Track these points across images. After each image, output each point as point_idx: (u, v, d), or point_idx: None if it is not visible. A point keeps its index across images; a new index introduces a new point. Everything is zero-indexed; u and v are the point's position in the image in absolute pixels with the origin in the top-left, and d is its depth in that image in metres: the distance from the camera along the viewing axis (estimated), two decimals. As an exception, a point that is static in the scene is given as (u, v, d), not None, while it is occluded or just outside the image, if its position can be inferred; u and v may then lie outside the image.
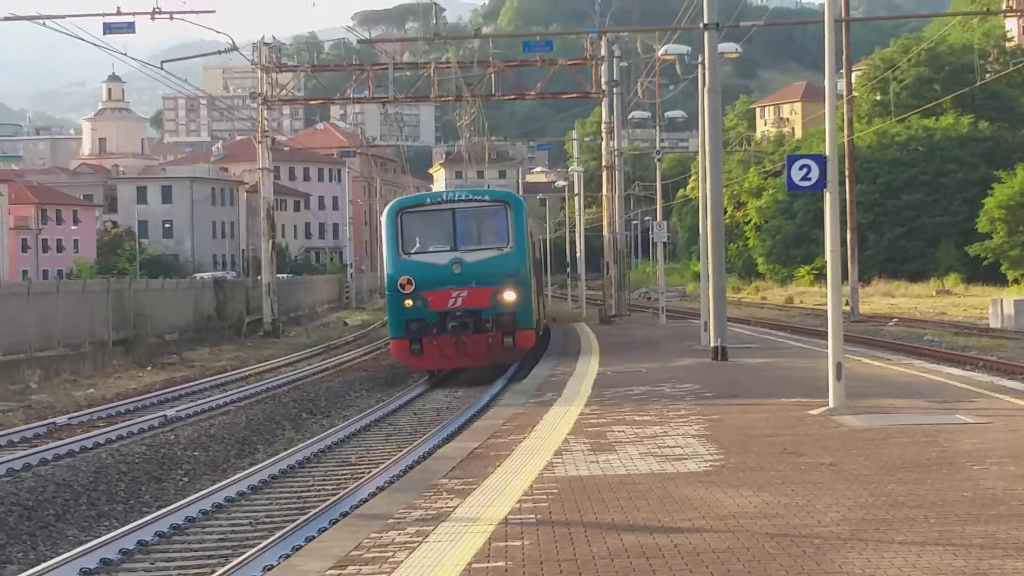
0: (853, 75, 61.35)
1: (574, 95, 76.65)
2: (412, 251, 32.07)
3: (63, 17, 40.95)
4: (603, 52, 59.47)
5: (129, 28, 40.75)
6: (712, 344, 33.95)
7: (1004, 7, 76.48)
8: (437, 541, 11.77)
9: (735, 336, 39.68)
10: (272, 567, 12.94)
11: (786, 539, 11.23)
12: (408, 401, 32.05)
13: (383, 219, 33.91)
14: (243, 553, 14.87)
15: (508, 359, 32.14)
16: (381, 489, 18.20)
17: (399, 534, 12.02)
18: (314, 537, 14.38)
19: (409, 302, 31.08)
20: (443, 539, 11.79)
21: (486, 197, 37.50)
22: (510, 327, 31.10)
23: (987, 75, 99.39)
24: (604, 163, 66.74)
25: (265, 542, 15.45)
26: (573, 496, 13.95)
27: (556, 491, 14.42)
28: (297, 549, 13.94)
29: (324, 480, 21.56)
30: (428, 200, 36.19)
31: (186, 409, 31.76)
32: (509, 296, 31.16)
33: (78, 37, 41.17)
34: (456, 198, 35.76)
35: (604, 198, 66.74)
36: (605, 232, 64.64)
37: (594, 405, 23.24)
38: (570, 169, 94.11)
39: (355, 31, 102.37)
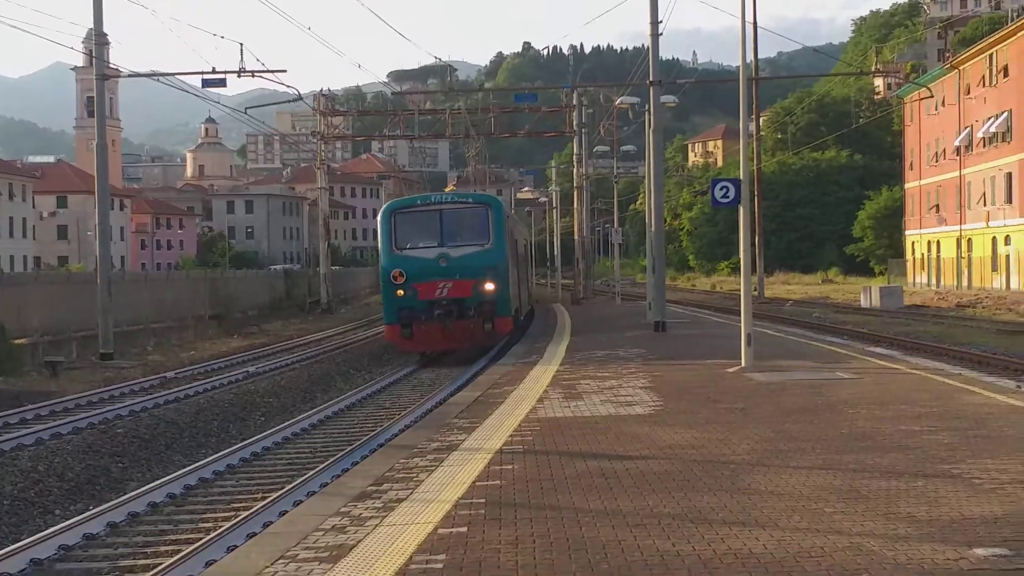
0: (761, 119, 61.54)
1: (553, 134, 78.54)
2: (404, 247, 28.84)
3: (173, 75, 41.29)
4: (575, 102, 60.28)
5: (221, 83, 41.11)
6: (654, 320, 33.70)
7: (873, 69, 76.43)
8: (450, 465, 11.80)
9: (672, 314, 39.15)
10: (327, 484, 12.99)
11: (710, 464, 11.31)
12: (428, 363, 30.60)
13: (379, 219, 30.40)
14: (305, 474, 14.94)
15: (488, 342, 29.41)
16: (408, 427, 18.09)
17: (421, 460, 12.10)
18: (357, 462, 14.30)
19: (401, 292, 28.09)
20: (454, 464, 11.83)
21: (469, 200, 33.48)
22: (490, 314, 28.11)
23: (860, 119, 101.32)
24: (575, 185, 68.20)
25: (322, 465, 15.45)
26: (551, 432, 13.94)
27: (538, 428, 14.36)
28: (345, 471, 13.79)
29: (365, 420, 21.25)
30: (419, 202, 31.91)
31: (263, 366, 31.83)
32: (489, 287, 28.13)
33: (184, 89, 41.64)
34: (443, 200, 32.20)
35: (575, 211, 67.96)
36: (576, 236, 65.39)
37: (567, 364, 22.90)
38: (549, 189, 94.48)
39: (390, 85, 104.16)
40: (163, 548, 11.51)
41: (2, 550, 11.16)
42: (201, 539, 11.34)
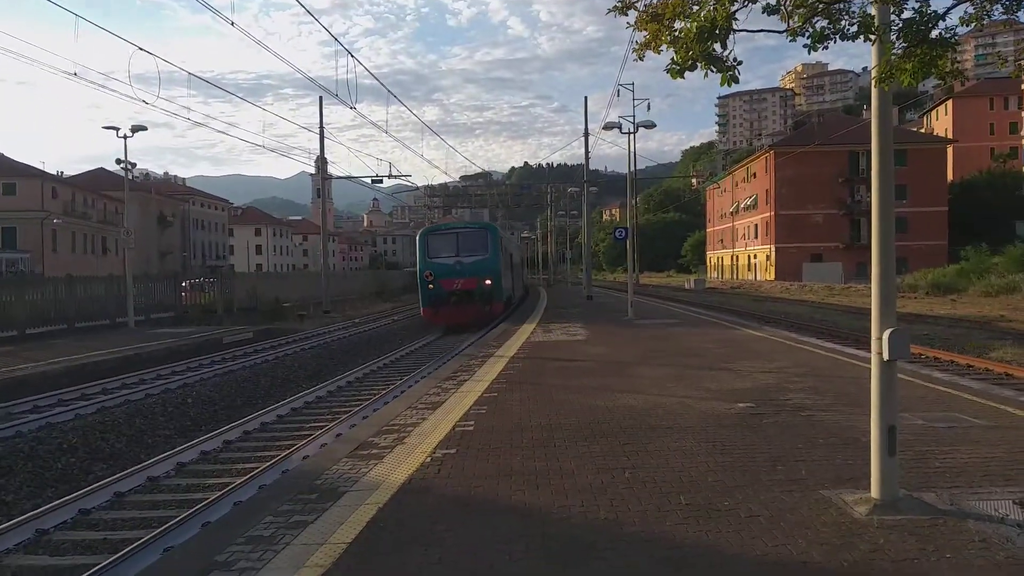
0: (637, 198, 66.86)
1: (537, 205, 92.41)
2: (433, 257, 27.32)
3: (358, 178, 45.75)
4: (548, 190, 65.69)
5: (380, 181, 44.19)
6: (586, 295, 35.91)
7: (692, 174, 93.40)
8: (488, 364, 13.46)
9: (597, 292, 40.07)
10: (428, 374, 14.24)
11: (612, 363, 13.07)
12: (451, 332, 26.29)
13: (417, 238, 28.84)
14: (416, 370, 16.28)
15: (488, 319, 27.11)
16: (468, 347, 18.83)
17: (475, 361, 14.00)
18: (444, 363, 15.65)
19: (431, 286, 26.66)
20: (490, 363, 13.46)
21: (476, 226, 31.10)
22: (488, 300, 26.63)
23: (684, 198, 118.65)
24: (549, 229, 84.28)
25: (424, 366, 16.84)
26: (537, 348, 15.59)
27: (531, 346, 15.98)
28: (436, 368, 14.94)
29: (442, 346, 22.06)
30: (443, 228, 30.30)
31: (398, 319, 33.89)
32: (488, 283, 26.51)
33: (363, 184, 45.01)
34: (458, 227, 30.50)
35: (548, 242, 79.36)
36: (549, 253, 72.38)
37: (544, 319, 24.66)
38: (536, 232, 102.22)
39: (459, 183, 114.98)
40: (355, 401, 13.41)
41: (283, 401, 13.31)
42: (370, 397, 13.48)
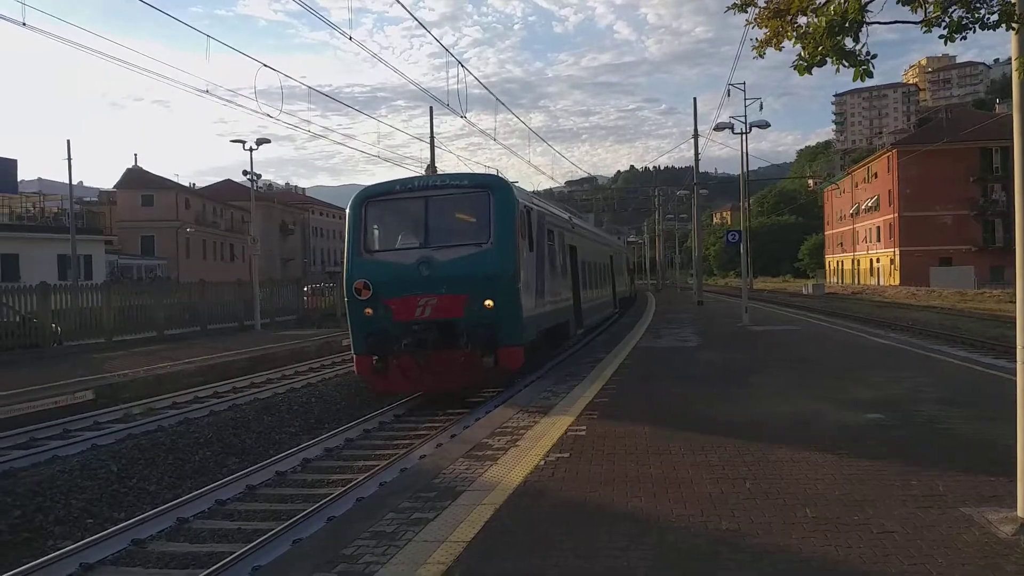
0: (750, 200, 64.62)
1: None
2: (375, 248, 13.39)
3: None
4: (655, 194, 65.19)
5: None
6: (697, 300, 35.17)
7: (808, 174, 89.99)
8: (600, 367, 13.53)
9: (706, 297, 39.45)
10: (498, 406, 10.92)
11: (728, 371, 12.70)
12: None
13: (347, 211, 13.87)
14: (483, 399, 13.06)
15: (488, 382, 13.43)
16: (572, 353, 17.45)
17: (585, 367, 14.03)
18: (518, 391, 12.07)
19: (369, 310, 12.85)
20: (604, 366, 13.53)
21: (464, 182, 14.07)
22: (489, 343, 12.41)
23: (801, 200, 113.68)
24: (656, 234, 79.42)
25: (495, 394, 13.38)
26: (647, 354, 15.40)
27: (640, 352, 15.80)
28: (506, 401, 11.35)
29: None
30: (398, 188, 13.76)
31: None
32: (488, 304, 12.51)
33: None
34: (429, 184, 14.10)
35: (656, 247, 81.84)
36: (656, 258, 79.25)
37: (654, 320, 24.66)
38: (643, 237, 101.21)
39: (564, 188, 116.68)
40: (468, 403, 12.94)
41: (399, 401, 13.52)
42: (484, 399, 13.04)
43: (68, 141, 73.62)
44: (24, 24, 14.26)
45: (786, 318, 25.99)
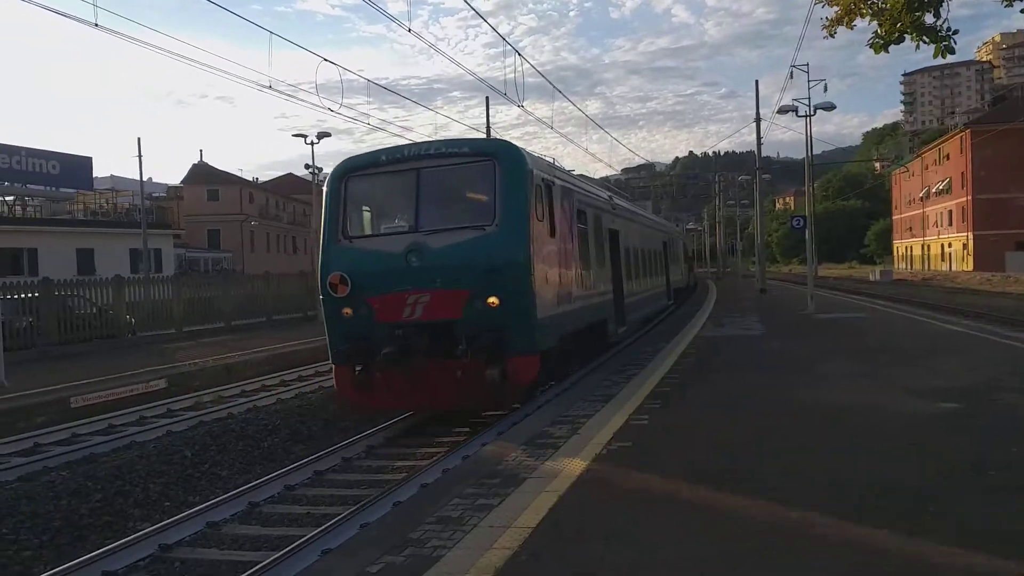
0: (815, 184, 62.53)
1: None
2: (354, 234, 10.63)
3: None
4: (714, 180, 64.14)
5: None
6: (759, 288, 34.40)
7: (875, 156, 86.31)
8: (661, 358, 13.43)
9: (772, 284, 38.86)
10: (558, 394, 10.67)
11: (795, 359, 12.49)
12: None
13: (324, 188, 11.11)
14: (544, 387, 11.38)
15: (492, 401, 10.37)
16: (633, 341, 17.25)
17: (648, 357, 13.85)
18: (575, 380, 12.69)
19: (348, 311, 10.03)
20: (663, 356, 13.44)
21: (464, 149, 10.52)
22: (496, 350, 9.41)
23: (869, 184, 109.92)
24: (716, 221, 78.58)
25: (555, 382, 11.82)
26: (709, 344, 15.16)
27: (702, 341, 15.58)
28: (567, 389, 11.54)
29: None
30: (383, 159, 10.68)
31: None
32: (492, 302, 9.54)
33: None
34: (422, 153, 10.57)
35: (717, 234, 78.64)
36: (718, 245, 76.91)
37: (716, 309, 24.36)
38: (703, 224, 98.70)
39: (620, 176, 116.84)
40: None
41: None
42: (544, 388, 11.44)
43: (139, 139, 76.28)
44: (96, 25, 14.78)
45: (853, 305, 25.32)
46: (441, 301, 9.73)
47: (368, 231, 11.03)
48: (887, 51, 4.07)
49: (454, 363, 9.59)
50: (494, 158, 10.34)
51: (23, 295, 19.46)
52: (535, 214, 10.36)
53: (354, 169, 10.90)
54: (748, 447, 6.77)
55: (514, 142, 11.31)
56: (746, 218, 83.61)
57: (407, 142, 19.71)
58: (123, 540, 6.81)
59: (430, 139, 11.03)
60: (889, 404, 8.32)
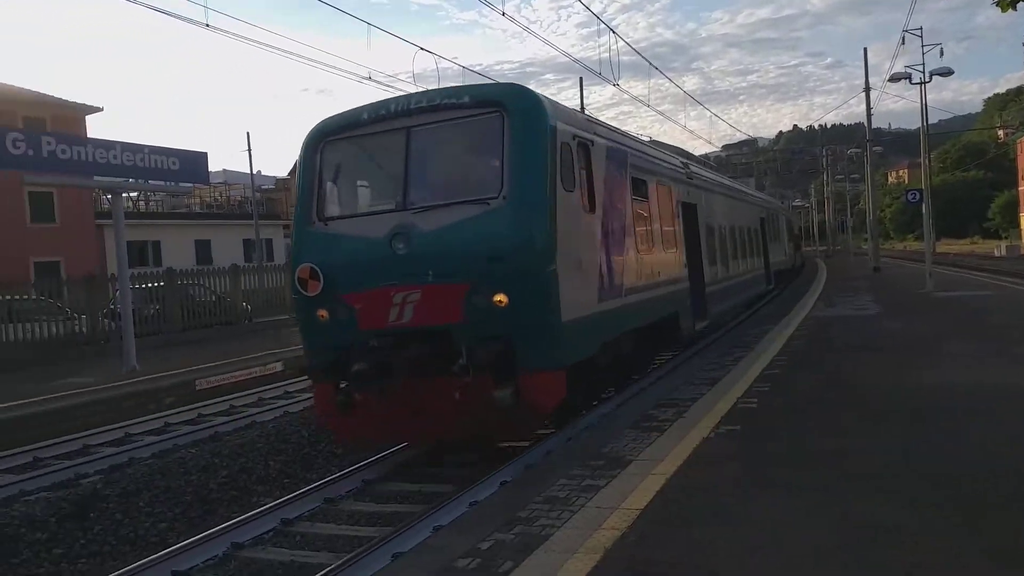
0: (932, 155, 58.99)
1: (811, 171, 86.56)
2: (330, 215, 8.08)
3: None
4: (822, 154, 61.47)
5: None
6: (873, 266, 33.17)
7: (999, 125, 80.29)
8: (770, 340, 13.18)
9: (885, 262, 37.56)
10: (660, 377, 11.23)
11: (915, 339, 11.97)
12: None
13: (299, 156, 8.38)
14: (646, 370, 11.66)
15: (506, 429, 7.88)
16: (763, 333, 14.15)
17: (757, 339, 13.70)
18: (678, 364, 13.22)
19: (324, 313, 7.68)
20: (773, 338, 13.18)
21: (464, 99, 7.64)
22: (505, 362, 7.02)
23: (992, 153, 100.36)
24: (825, 197, 78.16)
25: (656, 366, 12.35)
26: (820, 324, 14.72)
27: (812, 322, 15.17)
28: (669, 372, 11.83)
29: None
30: (366, 117, 7.98)
31: None
32: (499, 300, 6.98)
33: None
34: (412, 107, 7.78)
35: (826, 210, 78.48)
36: (826, 222, 76.31)
37: (826, 288, 23.67)
38: (810, 200, 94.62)
39: (722, 153, 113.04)
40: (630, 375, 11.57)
41: None
42: (647, 371, 11.63)
43: (247, 133, 79.90)
44: (208, 26, 15.55)
45: (976, 282, 23.89)
46: (435, 300, 7.39)
47: (347, 211, 8.42)
48: (1015, 8, 3.81)
49: (450, 381, 7.19)
50: (500, 108, 7.68)
51: (151, 284, 20.84)
52: (561, 182, 7.76)
53: (330, 132, 8.43)
54: (864, 431, 6.53)
55: (532, 88, 8.25)
56: (856, 193, 79.89)
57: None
58: (248, 513, 7.23)
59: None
60: (1020, 384, 7.84)
